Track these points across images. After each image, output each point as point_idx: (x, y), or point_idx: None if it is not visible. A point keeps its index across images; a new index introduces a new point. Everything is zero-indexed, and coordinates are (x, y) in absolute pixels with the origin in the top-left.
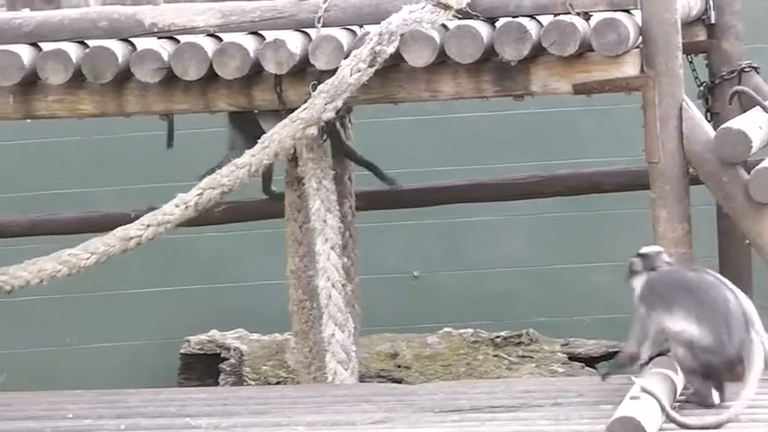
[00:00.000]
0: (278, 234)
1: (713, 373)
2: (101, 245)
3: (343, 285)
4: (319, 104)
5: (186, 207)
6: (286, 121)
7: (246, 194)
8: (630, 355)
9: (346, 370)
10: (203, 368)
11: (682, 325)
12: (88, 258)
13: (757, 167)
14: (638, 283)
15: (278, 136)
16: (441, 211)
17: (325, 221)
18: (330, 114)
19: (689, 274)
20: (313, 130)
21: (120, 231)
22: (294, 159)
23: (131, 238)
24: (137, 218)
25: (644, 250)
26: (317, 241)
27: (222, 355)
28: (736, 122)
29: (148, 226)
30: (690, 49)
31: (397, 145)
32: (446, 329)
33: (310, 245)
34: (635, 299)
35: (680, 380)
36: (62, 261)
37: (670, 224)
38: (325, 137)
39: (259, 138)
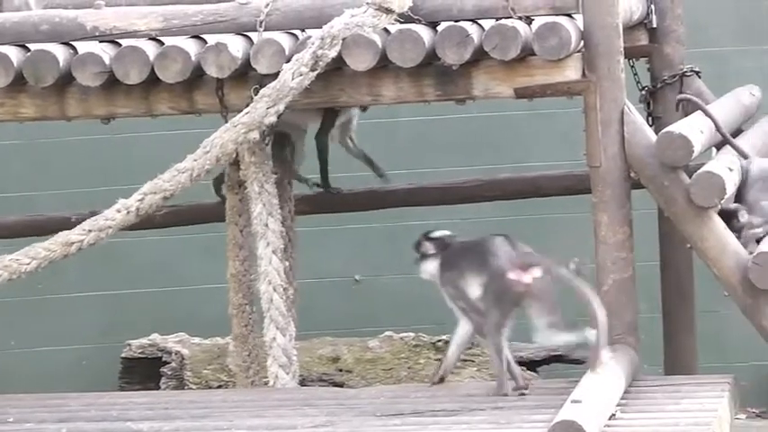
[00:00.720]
0: (219, 238)
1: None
2: (42, 250)
3: (284, 289)
4: (261, 109)
5: (128, 212)
6: (227, 125)
7: (187, 198)
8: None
9: (287, 374)
10: (145, 372)
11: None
12: (29, 263)
13: (699, 171)
14: (433, 265)
15: (219, 140)
16: (383, 215)
17: (266, 225)
18: (272, 118)
19: (471, 241)
20: (255, 135)
21: (61, 236)
22: (236, 163)
23: (72, 243)
24: (78, 222)
25: (434, 234)
26: (258, 245)
27: (163, 359)
28: (678, 127)
29: (90, 231)
30: (632, 54)
31: (338, 149)
32: (387, 333)
33: (251, 249)
34: (437, 281)
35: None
36: (3, 266)
37: (611, 228)
38: (267, 141)
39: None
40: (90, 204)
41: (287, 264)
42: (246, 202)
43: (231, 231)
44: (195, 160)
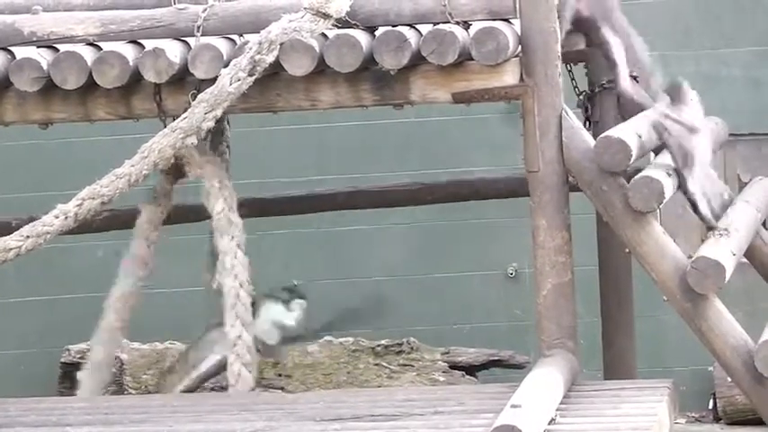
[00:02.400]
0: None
1: None
2: None
3: (249, 284)
4: (199, 114)
5: (66, 217)
6: (166, 130)
7: (125, 203)
8: None
9: (249, 372)
10: None
11: None
12: None
13: (637, 176)
14: None
15: (157, 145)
16: (320, 220)
17: (230, 220)
18: (210, 123)
19: None
20: (193, 140)
21: None
22: (169, 172)
23: (11, 249)
24: (18, 226)
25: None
26: (222, 240)
27: None
28: (616, 131)
29: (28, 237)
30: (569, 58)
31: (275, 154)
32: (327, 338)
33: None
34: None
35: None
36: None
37: (549, 233)
38: (222, 139)
39: None
40: (28, 209)
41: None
42: (162, 215)
43: (138, 246)
44: (133, 165)
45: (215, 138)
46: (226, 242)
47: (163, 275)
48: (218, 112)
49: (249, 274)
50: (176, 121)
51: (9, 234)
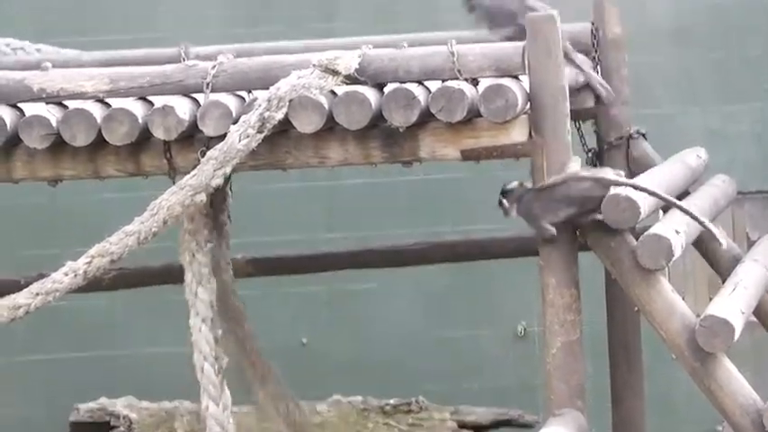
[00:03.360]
0: (165, 301)
1: None
2: None
3: (216, 358)
4: (208, 171)
5: (75, 275)
6: (175, 188)
7: (134, 261)
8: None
9: None
10: None
11: None
12: None
13: (645, 234)
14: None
15: (167, 203)
16: (328, 278)
17: (196, 295)
18: (219, 181)
19: None
20: (202, 197)
21: (8, 300)
22: None
23: (20, 306)
24: (27, 284)
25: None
26: (190, 314)
27: (111, 423)
28: (625, 189)
29: (37, 294)
30: (578, 116)
31: (284, 211)
32: (335, 397)
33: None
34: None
35: None
36: None
37: (559, 291)
38: (223, 206)
39: None
40: (38, 267)
41: (219, 332)
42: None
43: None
44: (143, 223)
45: (216, 204)
46: (192, 317)
47: (171, 334)
48: (228, 170)
49: (214, 349)
50: (185, 178)
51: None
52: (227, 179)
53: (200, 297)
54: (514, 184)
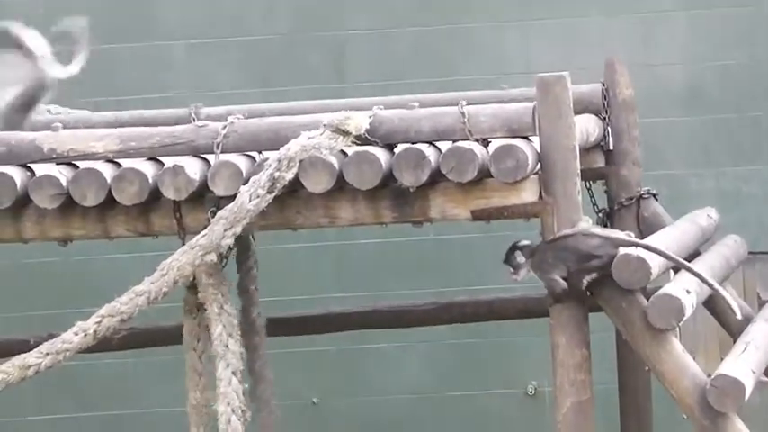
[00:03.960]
0: (176, 360)
1: None
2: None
3: (243, 411)
4: (218, 231)
5: (85, 335)
6: (185, 248)
7: (144, 320)
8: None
9: None
10: None
11: None
12: None
13: (656, 294)
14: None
15: (177, 263)
16: (339, 338)
17: (226, 346)
18: (229, 241)
19: None
20: (212, 257)
21: (18, 360)
22: (193, 287)
23: (30, 366)
24: (36, 344)
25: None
26: (218, 366)
27: None
28: (635, 249)
29: (47, 354)
30: (588, 176)
31: (294, 271)
32: None
33: (211, 376)
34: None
35: None
36: None
37: (569, 350)
38: (224, 262)
39: None
40: (47, 327)
41: (246, 385)
42: (204, 326)
43: (190, 358)
44: (153, 283)
45: (241, 255)
46: (221, 368)
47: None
48: (238, 230)
49: (242, 402)
50: (196, 238)
51: (27, 352)
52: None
53: (231, 348)
54: (526, 241)
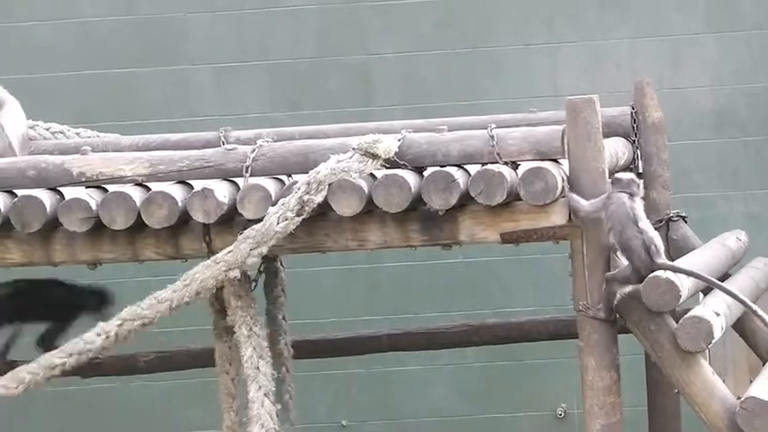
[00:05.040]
0: (206, 384)
1: None
2: (26, 374)
3: None
4: (244, 249)
5: (107, 336)
6: (209, 261)
7: (175, 344)
8: None
9: None
10: None
11: None
12: (16, 387)
13: (685, 316)
14: None
15: (200, 275)
16: (368, 361)
17: (257, 368)
18: (255, 260)
19: None
20: (235, 273)
21: (43, 359)
22: (222, 311)
23: (55, 365)
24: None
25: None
26: (250, 389)
27: None
28: (665, 271)
29: (71, 354)
30: None
31: (324, 294)
32: None
33: (243, 397)
34: None
35: None
36: None
37: (598, 373)
38: (254, 284)
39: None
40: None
41: (278, 406)
42: (236, 349)
43: (223, 381)
44: (175, 291)
45: (268, 282)
46: (253, 390)
47: (205, 417)
48: (264, 250)
49: (276, 423)
50: (221, 253)
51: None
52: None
53: (262, 370)
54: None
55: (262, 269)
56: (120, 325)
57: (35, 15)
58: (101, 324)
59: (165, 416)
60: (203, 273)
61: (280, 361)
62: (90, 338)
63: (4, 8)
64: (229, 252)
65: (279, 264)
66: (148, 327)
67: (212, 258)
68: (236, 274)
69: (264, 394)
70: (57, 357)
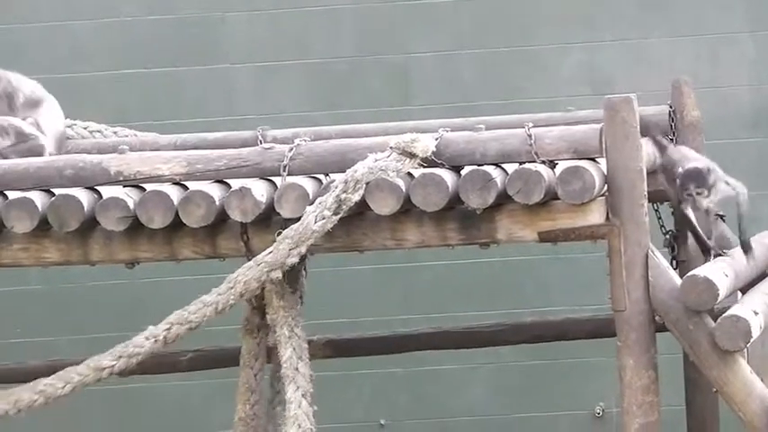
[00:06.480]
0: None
1: None
2: (75, 375)
3: None
4: (283, 249)
5: (155, 340)
6: (251, 263)
7: (212, 342)
8: None
9: None
10: None
11: None
12: (64, 387)
13: (723, 315)
14: None
15: (243, 277)
16: (406, 360)
17: (296, 369)
18: (294, 260)
19: None
20: (277, 274)
21: (92, 361)
22: (259, 308)
23: (104, 368)
24: None
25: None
26: (287, 389)
27: None
28: (703, 270)
29: (120, 357)
30: (655, 197)
31: (361, 293)
32: None
33: (263, 393)
34: None
35: None
36: (38, 391)
37: (636, 372)
38: (297, 286)
39: None
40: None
41: (315, 407)
42: (263, 346)
43: (245, 375)
44: (220, 294)
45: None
46: (291, 391)
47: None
48: (303, 249)
49: (313, 424)
50: (262, 254)
51: None
52: (303, 259)
53: (301, 371)
54: None
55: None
56: (169, 329)
57: (75, 14)
58: (150, 328)
59: (203, 413)
60: (246, 275)
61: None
62: (139, 342)
63: (45, 7)
64: (269, 253)
65: (303, 269)
66: (195, 330)
67: (254, 260)
68: (277, 274)
69: (302, 395)
70: (106, 360)
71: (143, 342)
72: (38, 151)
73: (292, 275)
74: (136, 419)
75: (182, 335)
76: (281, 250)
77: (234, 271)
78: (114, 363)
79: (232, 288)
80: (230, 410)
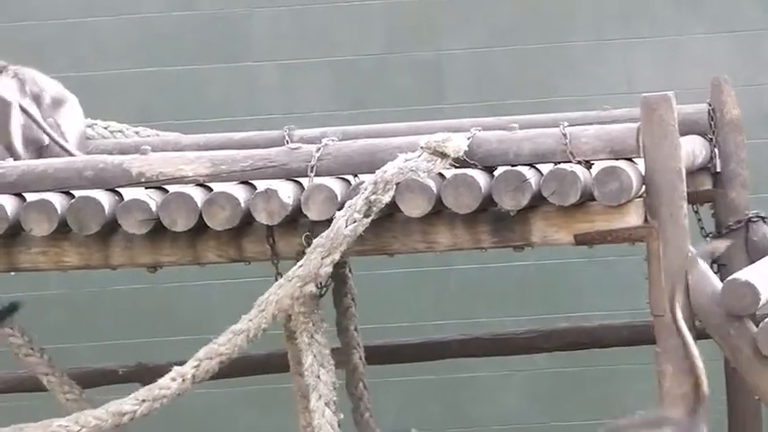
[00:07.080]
0: (264, 390)
1: None
2: (92, 419)
3: None
4: (315, 260)
5: (183, 380)
6: (282, 281)
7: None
8: None
9: None
10: None
11: None
12: (79, 430)
13: (766, 320)
14: None
15: (274, 297)
16: (437, 367)
17: (318, 377)
18: (328, 269)
19: None
20: (311, 287)
21: (112, 406)
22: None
23: (125, 413)
24: (125, 374)
25: None
26: (311, 398)
27: None
28: (744, 274)
29: (143, 401)
30: (695, 199)
31: (392, 298)
32: None
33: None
34: None
35: None
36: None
37: (676, 379)
38: (323, 291)
39: None
40: (136, 356)
41: (341, 416)
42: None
43: (295, 382)
44: (251, 320)
45: (338, 291)
46: (314, 400)
47: (274, 425)
48: (336, 257)
49: None
50: (293, 269)
51: (115, 382)
52: (345, 263)
53: (323, 379)
54: None
55: (328, 278)
56: (197, 366)
57: (94, 11)
58: (176, 368)
59: (223, 422)
60: (277, 294)
61: (355, 377)
62: (165, 384)
63: (62, 3)
64: (301, 266)
65: (347, 270)
66: (226, 364)
67: (284, 276)
68: (311, 288)
69: (325, 404)
70: (128, 404)
71: (169, 384)
72: None
73: (339, 279)
74: (155, 426)
75: (212, 371)
76: (312, 260)
77: (259, 275)
78: (137, 408)
79: (263, 311)
80: (254, 419)
